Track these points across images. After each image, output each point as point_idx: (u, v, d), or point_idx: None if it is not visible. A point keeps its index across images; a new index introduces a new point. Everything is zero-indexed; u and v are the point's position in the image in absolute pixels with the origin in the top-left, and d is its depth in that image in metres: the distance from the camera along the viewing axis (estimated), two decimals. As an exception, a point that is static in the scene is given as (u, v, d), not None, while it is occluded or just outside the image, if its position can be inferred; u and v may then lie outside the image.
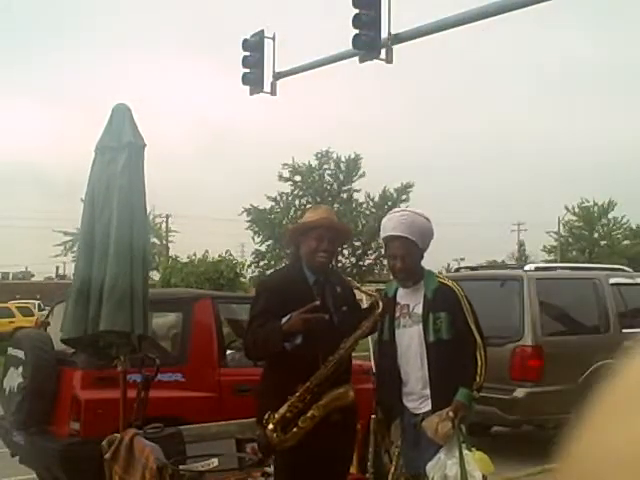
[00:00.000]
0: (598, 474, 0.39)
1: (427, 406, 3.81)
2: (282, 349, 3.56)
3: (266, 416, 3.56)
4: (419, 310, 3.86)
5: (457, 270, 11.21)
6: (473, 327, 3.82)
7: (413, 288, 3.94)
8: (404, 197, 37.26)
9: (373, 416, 4.87)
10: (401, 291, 3.99)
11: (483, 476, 3.66)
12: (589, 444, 0.41)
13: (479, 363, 3.77)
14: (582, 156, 64.20)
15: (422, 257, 3.99)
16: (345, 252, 36.92)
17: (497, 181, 66.20)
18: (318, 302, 3.63)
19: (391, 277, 4.26)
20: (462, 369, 3.76)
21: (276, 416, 3.55)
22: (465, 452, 3.63)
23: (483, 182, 66.55)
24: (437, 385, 3.79)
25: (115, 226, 4.51)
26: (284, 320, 3.55)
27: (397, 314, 3.96)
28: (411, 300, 3.93)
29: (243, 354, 6.32)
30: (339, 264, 36.04)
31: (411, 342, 3.88)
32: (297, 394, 3.58)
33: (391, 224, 3.98)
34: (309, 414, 3.59)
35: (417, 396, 3.87)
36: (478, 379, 3.75)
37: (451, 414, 3.66)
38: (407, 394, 3.91)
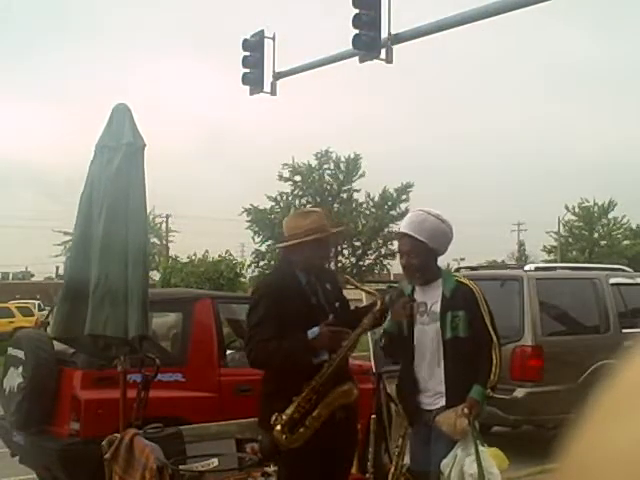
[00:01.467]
0: (598, 474, 0.39)
1: (440, 403, 3.84)
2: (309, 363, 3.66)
3: (274, 418, 3.57)
4: (437, 308, 3.90)
5: (457, 270, 11.21)
6: (490, 327, 3.87)
7: (430, 287, 3.98)
8: (404, 197, 37.27)
9: (373, 416, 4.88)
10: (418, 289, 4.03)
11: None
12: (589, 444, 0.41)
13: (494, 362, 3.81)
14: (582, 156, 64.23)
15: (435, 257, 4.02)
16: (345, 252, 36.94)
17: (497, 181, 66.22)
18: (332, 317, 3.75)
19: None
20: (477, 367, 3.80)
21: (284, 417, 3.57)
22: (481, 449, 3.66)
23: (483, 182, 66.60)
24: (452, 382, 3.82)
25: (109, 226, 4.50)
26: (310, 335, 3.63)
27: (415, 310, 3.98)
28: (428, 298, 3.96)
29: (243, 354, 6.35)
30: (339, 264, 36.05)
31: (428, 340, 3.91)
32: (303, 394, 3.60)
33: (404, 222, 4.15)
34: (315, 414, 3.61)
35: (432, 392, 3.89)
36: (492, 377, 3.79)
37: (466, 410, 3.68)
38: (422, 391, 3.93)
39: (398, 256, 4.20)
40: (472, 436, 3.68)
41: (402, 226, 4.12)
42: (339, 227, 4.45)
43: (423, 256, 3.95)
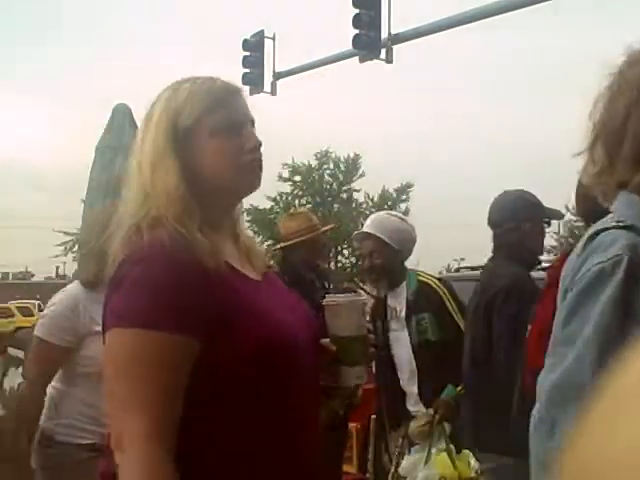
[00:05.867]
0: (599, 474, 0.39)
1: (422, 408, 3.72)
2: None
3: None
4: (403, 313, 3.75)
5: (457, 270, 11.19)
6: (462, 325, 3.62)
7: (397, 290, 3.83)
8: (404, 197, 37.27)
9: (373, 416, 4.87)
10: (389, 293, 3.89)
11: (441, 477, 3.49)
12: (589, 444, 0.41)
13: None
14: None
15: (401, 258, 3.83)
16: (345, 252, 36.93)
17: (497, 181, 66.20)
18: None
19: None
20: (451, 368, 3.57)
21: None
22: (432, 451, 3.51)
23: (483, 182, 66.56)
24: (426, 386, 3.69)
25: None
26: None
27: (389, 316, 3.88)
28: (397, 303, 3.82)
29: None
30: (339, 264, 36.04)
31: (402, 346, 3.80)
32: None
33: (366, 224, 3.96)
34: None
35: (414, 400, 3.82)
36: None
37: (431, 411, 3.58)
38: (407, 397, 3.87)
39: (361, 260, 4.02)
40: (431, 438, 3.52)
41: (364, 227, 3.94)
42: (329, 225, 4.44)
43: (387, 257, 3.77)
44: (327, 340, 1.66)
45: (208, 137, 1.48)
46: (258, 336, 1.37)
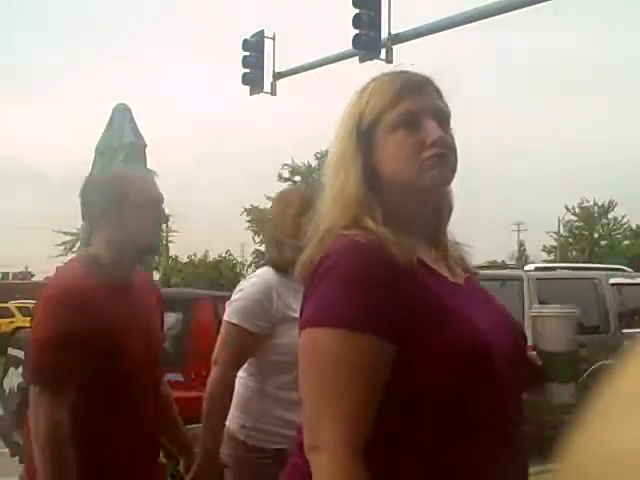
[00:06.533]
0: (598, 474, 0.39)
1: None
2: None
3: None
4: None
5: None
6: None
7: None
8: (404, 197, 37.33)
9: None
10: None
11: None
12: (589, 445, 0.41)
13: None
14: (582, 156, 64.26)
15: None
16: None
17: (497, 181, 66.24)
18: None
19: None
20: None
21: None
22: None
23: (483, 182, 66.56)
24: None
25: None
26: None
27: None
28: None
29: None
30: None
31: None
32: None
33: None
34: None
35: None
36: None
37: None
38: None
39: None
40: None
41: None
42: None
43: None
44: (534, 353, 1.58)
45: (388, 133, 1.41)
46: (451, 341, 1.27)
